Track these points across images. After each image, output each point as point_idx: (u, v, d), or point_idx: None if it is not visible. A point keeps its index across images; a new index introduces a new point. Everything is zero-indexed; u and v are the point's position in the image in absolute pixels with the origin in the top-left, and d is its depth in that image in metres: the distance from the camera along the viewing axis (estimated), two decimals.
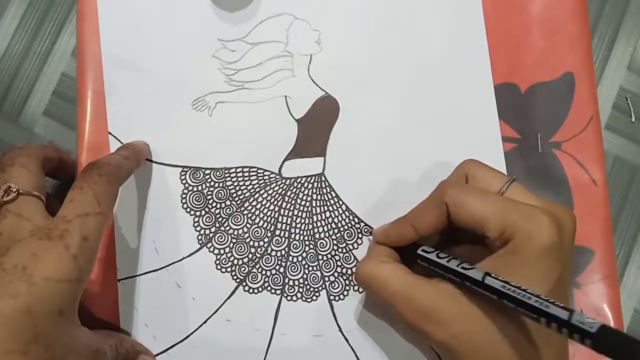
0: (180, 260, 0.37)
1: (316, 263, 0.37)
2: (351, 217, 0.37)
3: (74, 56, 0.39)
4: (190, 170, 0.37)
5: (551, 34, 0.38)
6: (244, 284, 0.37)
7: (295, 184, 0.37)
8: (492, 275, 0.27)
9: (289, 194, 0.37)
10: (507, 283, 0.26)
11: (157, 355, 0.36)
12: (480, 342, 0.28)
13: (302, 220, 0.37)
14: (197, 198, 0.37)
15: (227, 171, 0.37)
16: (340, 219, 0.37)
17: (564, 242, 0.28)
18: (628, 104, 0.39)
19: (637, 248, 0.38)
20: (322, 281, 0.37)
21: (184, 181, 0.37)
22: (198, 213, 0.37)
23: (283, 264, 0.37)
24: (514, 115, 0.38)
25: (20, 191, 0.30)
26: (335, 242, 0.37)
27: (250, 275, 0.37)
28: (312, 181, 0.37)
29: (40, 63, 0.40)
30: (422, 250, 0.32)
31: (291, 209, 0.37)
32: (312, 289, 0.37)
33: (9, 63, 0.40)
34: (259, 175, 0.37)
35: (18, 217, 0.29)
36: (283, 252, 0.37)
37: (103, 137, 0.37)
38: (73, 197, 0.29)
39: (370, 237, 0.37)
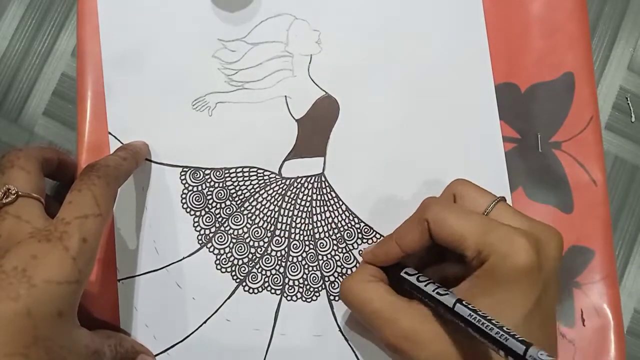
0: (180, 260, 0.37)
1: (316, 263, 0.37)
2: (351, 217, 0.37)
3: (74, 56, 0.39)
4: (190, 170, 0.37)
5: (551, 34, 0.38)
6: (244, 284, 0.37)
7: (295, 184, 0.37)
8: (463, 302, 0.27)
9: (289, 194, 0.37)
10: (475, 312, 0.26)
11: (157, 355, 0.36)
12: None
13: (302, 220, 0.37)
14: (197, 198, 0.37)
15: (227, 171, 0.37)
16: (340, 219, 0.37)
17: (544, 265, 0.28)
18: (628, 104, 0.39)
19: (637, 248, 0.38)
20: (322, 281, 0.37)
21: (184, 181, 0.37)
22: (198, 213, 0.37)
23: (283, 264, 0.37)
24: (514, 115, 0.38)
25: (20, 193, 0.30)
26: (335, 242, 0.37)
27: (250, 275, 0.37)
28: (312, 181, 0.37)
29: (40, 63, 0.40)
30: (405, 273, 0.32)
31: (291, 209, 0.37)
32: (312, 289, 0.37)
33: (9, 63, 0.40)
34: (259, 175, 0.37)
35: (17, 219, 0.29)
36: (283, 252, 0.37)
37: (103, 137, 0.37)
38: (72, 199, 0.29)
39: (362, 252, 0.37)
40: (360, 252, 0.37)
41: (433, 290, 0.29)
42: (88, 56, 0.38)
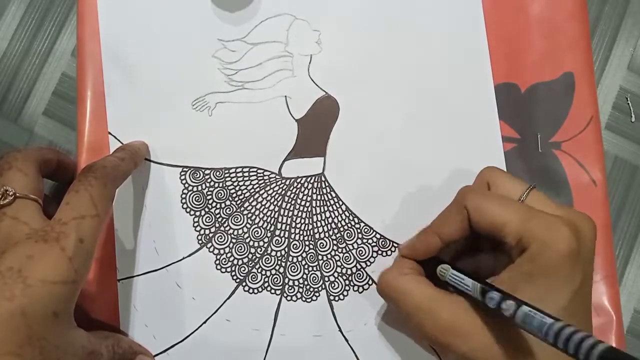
0: (180, 260, 0.37)
1: (316, 263, 0.37)
2: (351, 217, 0.37)
3: (74, 56, 0.39)
4: (190, 170, 0.37)
5: (551, 34, 0.38)
6: (244, 284, 0.37)
7: (295, 184, 0.37)
8: (507, 301, 0.27)
9: (288, 194, 0.37)
10: (521, 304, 0.26)
11: (156, 355, 0.36)
12: (498, 355, 0.28)
13: (302, 221, 0.37)
14: (197, 198, 0.37)
15: (227, 171, 0.37)
16: (340, 219, 0.37)
17: (583, 251, 0.28)
18: (628, 104, 0.39)
19: (637, 248, 0.38)
20: (322, 281, 0.37)
21: (183, 181, 0.37)
22: (198, 213, 0.37)
23: (283, 264, 0.37)
24: (514, 115, 0.38)
25: (17, 194, 0.30)
26: (335, 242, 0.37)
27: (250, 276, 0.37)
28: (312, 181, 0.37)
29: (40, 63, 0.40)
30: (441, 271, 0.32)
31: (291, 209, 0.37)
32: (312, 289, 0.37)
33: (9, 63, 0.40)
34: (259, 175, 0.37)
35: (15, 221, 0.29)
36: (283, 252, 0.37)
37: (103, 137, 0.37)
38: (69, 200, 0.29)
39: (395, 252, 0.37)
40: (396, 247, 0.37)
41: (473, 289, 0.29)
42: (88, 56, 0.38)
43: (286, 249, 0.37)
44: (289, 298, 0.37)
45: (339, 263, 0.37)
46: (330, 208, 0.37)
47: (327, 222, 0.37)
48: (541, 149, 0.37)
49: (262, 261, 0.37)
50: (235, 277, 0.37)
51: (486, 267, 0.33)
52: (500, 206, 0.30)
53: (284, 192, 0.37)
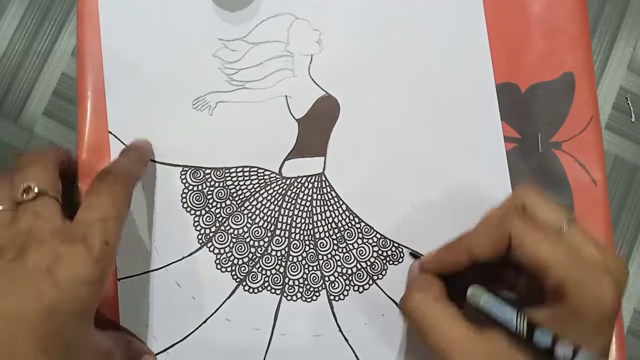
0: (180, 259, 0.37)
1: (316, 263, 0.37)
2: (351, 217, 0.37)
3: (74, 56, 0.39)
4: (190, 170, 0.37)
5: (551, 34, 0.38)
6: (244, 283, 0.37)
7: (296, 183, 0.37)
8: (562, 344, 0.26)
9: (289, 193, 0.37)
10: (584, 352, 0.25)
11: (157, 354, 0.36)
12: None
13: (302, 220, 0.37)
14: (197, 197, 0.37)
15: (227, 171, 0.37)
16: (340, 218, 0.37)
17: (621, 300, 0.27)
18: (628, 104, 0.39)
19: (637, 248, 0.38)
20: (322, 281, 0.37)
21: (184, 181, 0.37)
22: (198, 212, 0.37)
23: (283, 263, 0.37)
24: (514, 115, 0.38)
25: (40, 191, 0.30)
26: (335, 242, 0.37)
27: (250, 275, 0.37)
28: (312, 181, 0.37)
29: (40, 63, 0.40)
30: (473, 294, 0.30)
31: (291, 208, 0.37)
32: (312, 289, 0.37)
33: (9, 63, 0.40)
34: (259, 174, 0.37)
35: (37, 217, 0.29)
36: (283, 251, 0.37)
37: (103, 137, 0.37)
38: (91, 203, 0.29)
39: (409, 256, 0.36)
40: (411, 254, 0.36)
41: (519, 323, 0.28)
42: (88, 56, 0.38)
43: (286, 249, 0.37)
44: (289, 298, 0.37)
45: (339, 263, 0.37)
46: (331, 208, 0.37)
47: (327, 222, 0.37)
48: (541, 149, 0.37)
49: (262, 261, 0.37)
50: (235, 277, 0.37)
51: (506, 281, 0.31)
52: (548, 245, 0.28)
53: (284, 191, 0.37)
